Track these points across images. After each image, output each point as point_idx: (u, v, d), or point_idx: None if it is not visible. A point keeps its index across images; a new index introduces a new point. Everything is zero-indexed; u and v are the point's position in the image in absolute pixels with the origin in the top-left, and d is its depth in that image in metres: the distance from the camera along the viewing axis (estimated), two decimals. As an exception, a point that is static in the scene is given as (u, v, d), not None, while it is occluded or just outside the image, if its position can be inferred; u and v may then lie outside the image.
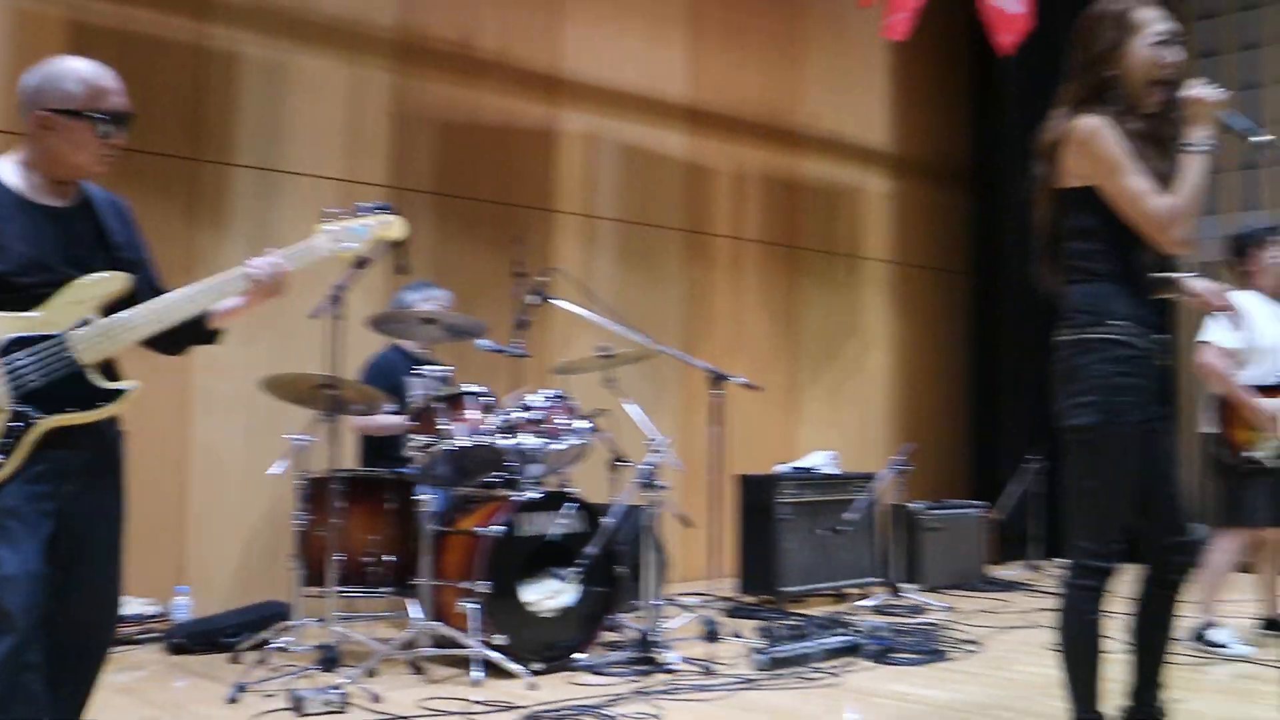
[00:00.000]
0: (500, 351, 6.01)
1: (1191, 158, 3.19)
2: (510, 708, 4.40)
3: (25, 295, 3.06)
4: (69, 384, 3.09)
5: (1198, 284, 3.92)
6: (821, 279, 9.30)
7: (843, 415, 9.43)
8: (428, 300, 6.01)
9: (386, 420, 5.84)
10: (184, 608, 5.80)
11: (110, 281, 3.18)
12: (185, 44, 6.10)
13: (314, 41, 6.56)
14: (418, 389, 5.81)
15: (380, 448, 5.94)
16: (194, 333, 3.36)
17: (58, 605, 3.04)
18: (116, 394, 3.18)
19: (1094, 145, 3.20)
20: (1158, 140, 3.27)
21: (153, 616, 5.81)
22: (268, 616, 5.54)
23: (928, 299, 10.19)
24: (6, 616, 2.89)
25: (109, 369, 3.20)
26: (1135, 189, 3.17)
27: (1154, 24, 3.27)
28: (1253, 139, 3.27)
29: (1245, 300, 5.64)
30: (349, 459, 5.98)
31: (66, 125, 3.09)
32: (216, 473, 6.20)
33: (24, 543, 2.96)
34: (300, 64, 6.51)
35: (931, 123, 10.23)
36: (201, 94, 6.15)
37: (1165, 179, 3.20)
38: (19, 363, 3.02)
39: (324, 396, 5.12)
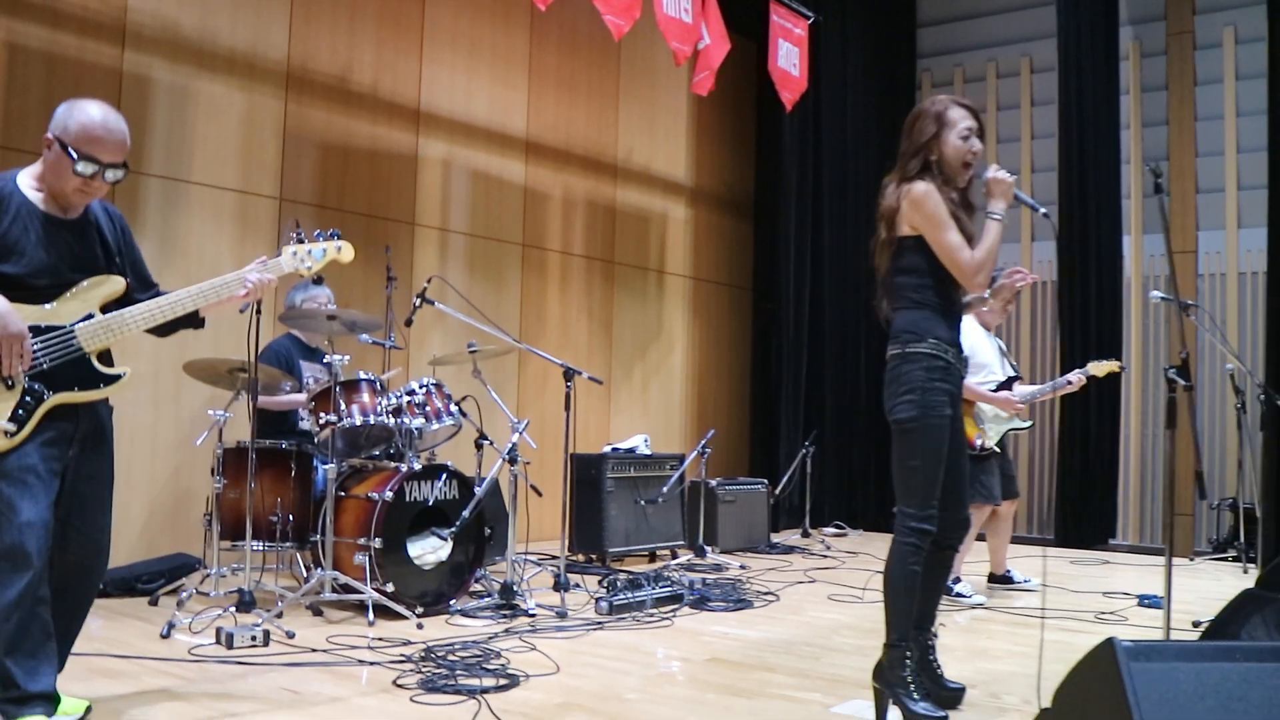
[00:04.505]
0: (379, 344, 6.17)
1: (991, 223, 3.59)
2: (407, 643, 4.53)
3: (38, 294, 3.15)
4: (74, 367, 3.19)
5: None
6: (633, 290, 9.61)
7: (650, 406, 9.76)
8: (313, 298, 5.95)
9: (286, 398, 5.84)
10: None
11: (109, 284, 3.30)
12: (105, 67, 6.01)
13: (215, 69, 6.53)
14: (318, 374, 5.92)
15: (274, 422, 5.94)
16: (188, 322, 3.48)
17: (58, 551, 3.15)
18: (114, 378, 3.30)
19: (924, 204, 3.55)
20: (965, 207, 3.66)
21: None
22: (179, 566, 5.55)
23: (719, 309, 10.60)
24: (26, 556, 2.98)
25: (105, 356, 3.31)
26: (951, 243, 3.54)
27: (962, 121, 3.66)
28: (1039, 210, 3.69)
29: (968, 324, 6.22)
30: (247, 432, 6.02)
31: (57, 153, 3.18)
32: (125, 442, 6.10)
33: (40, 496, 3.06)
34: (203, 88, 6.49)
35: (724, 162, 10.66)
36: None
37: (969, 236, 3.59)
38: (33, 348, 3.12)
39: (238, 377, 5.21)
